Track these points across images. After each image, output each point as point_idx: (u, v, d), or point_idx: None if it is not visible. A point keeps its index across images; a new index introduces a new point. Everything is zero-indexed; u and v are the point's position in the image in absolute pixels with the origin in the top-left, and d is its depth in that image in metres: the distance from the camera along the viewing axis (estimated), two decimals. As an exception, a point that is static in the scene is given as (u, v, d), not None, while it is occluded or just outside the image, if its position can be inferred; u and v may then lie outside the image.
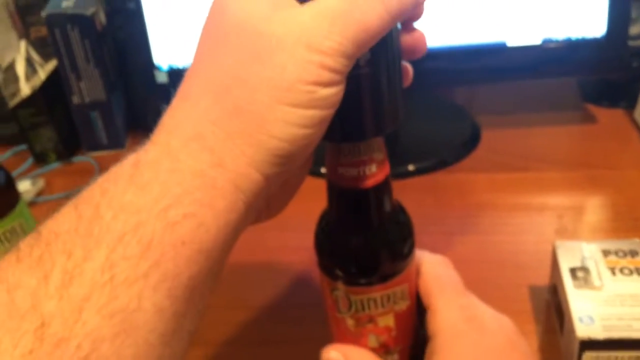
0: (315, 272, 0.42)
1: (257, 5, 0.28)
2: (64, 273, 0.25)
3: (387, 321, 0.40)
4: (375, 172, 0.35)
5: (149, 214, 0.26)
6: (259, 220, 0.35)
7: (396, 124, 0.33)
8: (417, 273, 0.41)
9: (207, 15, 0.30)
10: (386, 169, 0.36)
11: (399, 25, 0.32)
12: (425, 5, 0.32)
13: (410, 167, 0.70)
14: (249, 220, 0.31)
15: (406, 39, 0.32)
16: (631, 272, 0.45)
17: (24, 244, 0.26)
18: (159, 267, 0.26)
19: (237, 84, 0.27)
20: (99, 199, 0.27)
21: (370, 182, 0.35)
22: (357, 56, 0.28)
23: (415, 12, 0.31)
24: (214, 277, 0.29)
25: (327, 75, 0.27)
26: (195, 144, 0.27)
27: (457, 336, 0.36)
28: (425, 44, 0.33)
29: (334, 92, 0.28)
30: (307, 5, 0.28)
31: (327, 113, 0.28)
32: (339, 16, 0.27)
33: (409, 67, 0.35)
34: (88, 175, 0.76)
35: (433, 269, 0.39)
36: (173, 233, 0.26)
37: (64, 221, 0.26)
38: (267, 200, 0.32)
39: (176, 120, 0.29)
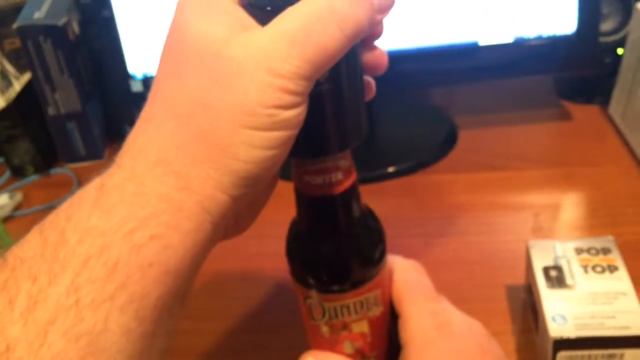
0: (293, 280, 0.42)
1: (217, 27, 0.28)
2: (29, 298, 0.25)
3: (362, 327, 0.40)
4: (341, 179, 0.35)
5: (114, 237, 0.26)
6: (227, 237, 0.35)
7: (360, 138, 0.34)
8: (390, 278, 0.41)
9: (167, 34, 0.30)
10: (353, 176, 0.36)
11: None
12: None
13: (389, 170, 0.70)
14: (217, 239, 0.31)
15: (367, 57, 0.33)
16: (603, 270, 0.45)
17: None
18: (126, 289, 0.26)
19: (200, 109, 0.28)
20: (64, 224, 0.27)
21: (336, 190, 0.35)
22: (316, 77, 0.28)
23: (373, 31, 0.32)
24: (183, 296, 0.29)
25: (288, 98, 0.27)
26: (160, 168, 0.28)
27: (428, 344, 0.36)
28: (386, 61, 0.34)
29: (296, 114, 0.28)
30: (265, 29, 0.28)
31: (291, 133, 0.29)
32: (297, 39, 0.27)
33: (371, 81, 0.35)
34: (66, 187, 0.76)
35: (404, 275, 0.39)
36: (139, 255, 0.26)
37: (29, 247, 0.27)
38: (235, 218, 0.33)
39: (140, 144, 0.29)
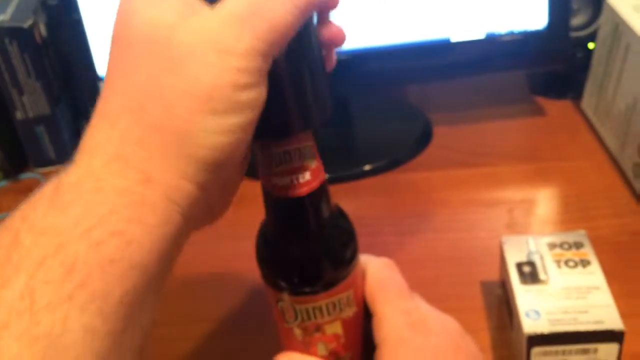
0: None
1: (164, 13, 0.27)
2: None
3: (335, 329, 0.40)
4: (309, 180, 0.34)
5: (70, 236, 0.25)
6: (204, 224, 0.35)
7: (324, 116, 0.33)
8: (363, 278, 0.40)
9: (114, 23, 0.29)
10: (321, 176, 0.35)
11: (314, 17, 0.31)
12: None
13: (364, 168, 0.69)
14: (190, 228, 0.30)
15: (323, 30, 0.32)
16: (576, 264, 0.45)
17: None
18: (86, 288, 0.25)
19: (153, 99, 0.27)
20: (19, 225, 0.26)
21: (304, 190, 0.34)
22: (272, 54, 0.28)
23: (328, 3, 0.31)
24: (157, 290, 0.29)
25: (243, 78, 0.27)
26: (118, 164, 0.27)
27: (401, 343, 0.35)
28: (343, 33, 0.34)
29: (254, 95, 0.28)
30: (215, 10, 0.27)
31: (251, 116, 0.28)
32: (247, 17, 0.27)
33: (331, 55, 0.34)
34: (36, 192, 0.74)
35: (377, 274, 0.39)
36: (99, 252, 0.25)
37: None
38: (207, 205, 0.31)
39: (96, 140, 0.28)
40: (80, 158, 0.28)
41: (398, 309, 0.37)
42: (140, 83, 0.27)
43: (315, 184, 0.35)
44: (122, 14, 0.29)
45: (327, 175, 0.36)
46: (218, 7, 0.27)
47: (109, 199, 0.26)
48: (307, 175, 0.34)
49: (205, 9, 0.28)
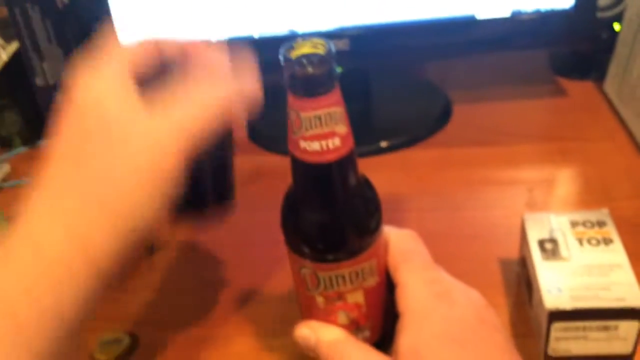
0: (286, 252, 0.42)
1: (119, 108, 0.34)
2: None
3: (357, 298, 0.40)
4: (339, 146, 0.34)
5: (11, 292, 0.31)
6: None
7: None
8: (386, 248, 0.40)
9: (68, 106, 0.36)
10: (350, 143, 0.35)
11: None
12: None
13: (383, 144, 0.69)
14: (103, 290, 0.35)
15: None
16: (598, 243, 0.45)
17: None
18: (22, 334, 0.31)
19: (96, 178, 0.33)
20: None
21: (333, 156, 0.34)
22: (195, 153, 0.36)
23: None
24: (74, 337, 0.34)
25: (173, 172, 0.35)
26: (57, 233, 0.33)
27: (426, 312, 0.35)
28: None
29: (178, 182, 0.35)
30: (161, 118, 0.35)
31: (174, 196, 0.36)
32: (185, 132, 0.35)
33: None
34: (55, 159, 0.75)
35: (400, 244, 0.39)
36: (37, 307, 0.32)
37: None
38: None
39: (40, 208, 0.33)
40: (21, 224, 0.33)
41: (422, 279, 0.37)
42: (89, 168, 0.33)
43: (344, 151, 0.35)
44: (78, 100, 0.35)
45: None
46: (165, 116, 0.35)
47: (44, 261, 0.32)
48: (337, 142, 0.34)
49: (144, 107, 0.35)
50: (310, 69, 0.32)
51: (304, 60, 0.32)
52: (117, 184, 0.33)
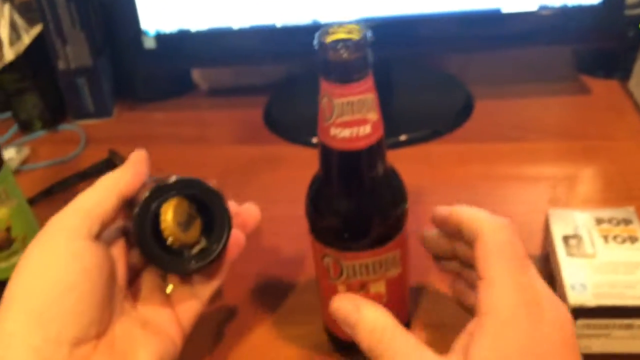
0: (305, 243, 0.41)
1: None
2: None
3: (379, 288, 0.40)
4: (369, 133, 0.34)
5: None
6: None
7: None
8: (406, 241, 0.40)
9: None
10: (380, 131, 0.35)
11: None
12: None
13: (403, 137, 0.69)
14: None
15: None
16: (624, 240, 0.44)
17: None
18: None
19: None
20: None
21: (363, 144, 0.34)
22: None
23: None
24: None
25: None
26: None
27: (513, 321, 0.31)
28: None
29: None
30: None
31: None
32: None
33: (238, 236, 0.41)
34: (74, 144, 0.75)
35: (495, 235, 0.34)
36: None
37: None
38: None
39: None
40: None
41: (514, 282, 0.32)
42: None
43: (374, 138, 0.34)
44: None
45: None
46: None
47: None
48: (368, 129, 0.34)
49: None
50: (344, 54, 0.31)
51: (339, 46, 0.31)
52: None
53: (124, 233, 0.38)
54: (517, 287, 0.32)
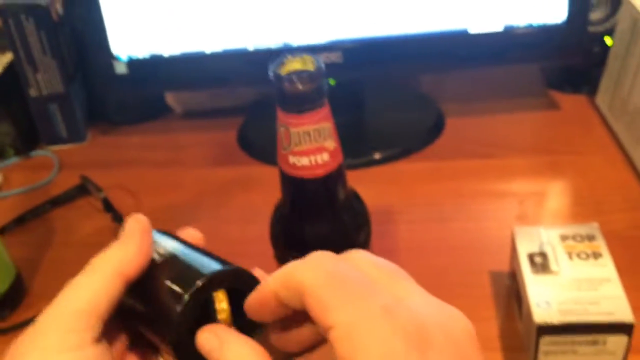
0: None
1: None
2: None
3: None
4: (327, 161, 0.34)
5: None
6: None
7: None
8: None
9: None
10: (339, 158, 0.35)
11: None
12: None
13: (376, 156, 0.69)
14: None
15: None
16: (588, 257, 0.45)
17: None
18: None
19: None
20: None
21: (322, 171, 0.35)
22: None
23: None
24: None
25: None
26: None
27: None
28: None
29: None
30: None
31: None
32: None
33: None
34: (47, 169, 0.75)
35: (317, 272, 0.25)
36: None
37: None
38: None
39: None
40: None
41: (370, 313, 0.23)
42: None
43: (333, 166, 0.35)
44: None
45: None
46: None
47: None
48: (326, 157, 0.34)
49: None
50: (299, 86, 0.32)
51: (294, 77, 0.32)
52: None
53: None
54: (381, 316, 0.23)
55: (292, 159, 0.34)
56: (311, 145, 0.33)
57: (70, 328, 0.28)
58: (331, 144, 0.34)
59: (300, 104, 0.32)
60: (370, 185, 0.66)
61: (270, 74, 0.33)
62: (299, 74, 0.32)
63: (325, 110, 0.33)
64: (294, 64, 0.33)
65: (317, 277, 0.25)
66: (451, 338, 0.24)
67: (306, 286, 0.25)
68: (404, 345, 0.23)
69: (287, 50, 0.34)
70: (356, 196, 0.39)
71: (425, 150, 0.71)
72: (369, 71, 0.70)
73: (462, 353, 0.24)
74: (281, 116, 0.33)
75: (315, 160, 0.34)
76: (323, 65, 0.33)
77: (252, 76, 0.72)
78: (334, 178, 0.35)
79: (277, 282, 0.27)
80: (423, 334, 0.23)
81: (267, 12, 0.65)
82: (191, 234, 0.34)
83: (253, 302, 0.28)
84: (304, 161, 0.34)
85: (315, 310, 0.24)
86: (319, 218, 0.37)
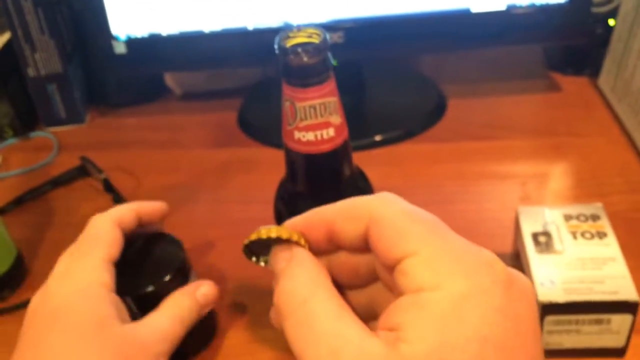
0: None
1: (105, 311, 0.38)
2: None
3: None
4: (333, 136, 0.34)
5: None
6: None
7: None
8: None
9: (42, 309, 0.38)
10: (344, 133, 0.35)
11: None
12: None
13: (377, 138, 0.69)
14: None
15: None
16: (592, 236, 0.45)
17: None
18: None
19: None
20: None
21: (327, 146, 0.34)
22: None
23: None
24: None
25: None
26: None
27: (474, 294, 0.22)
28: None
29: None
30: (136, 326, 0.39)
31: None
32: (168, 336, 0.40)
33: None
34: (46, 150, 0.74)
35: (390, 206, 0.26)
36: None
37: None
38: None
39: None
40: None
41: (451, 245, 0.24)
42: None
43: (338, 141, 0.34)
44: (53, 303, 0.38)
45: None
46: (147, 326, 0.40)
47: None
48: (331, 132, 0.34)
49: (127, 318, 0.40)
50: (304, 58, 0.31)
51: (299, 50, 0.31)
52: None
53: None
54: (464, 251, 0.24)
55: (297, 135, 0.34)
56: (317, 120, 0.33)
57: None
58: (337, 119, 0.34)
59: (306, 77, 0.32)
60: (371, 167, 0.65)
61: (276, 46, 0.32)
62: (304, 46, 0.32)
63: (331, 85, 0.33)
64: (299, 37, 0.32)
65: (394, 210, 0.25)
66: (525, 290, 0.24)
67: (380, 216, 0.25)
68: (490, 280, 0.23)
69: (293, 26, 0.34)
70: (362, 174, 0.39)
71: (427, 132, 0.70)
72: (369, 51, 0.69)
73: (533, 310, 0.24)
74: (286, 90, 0.33)
75: (321, 136, 0.33)
76: (329, 38, 0.32)
77: (252, 56, 0.72)
78: (340, 154, 0.35)
79: (337, 211, 0.26)
80: (504, 276, 0.23)
81: (268, -9, 0.64)
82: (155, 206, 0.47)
83: (300, 223, 0.27)
84: (310, 136, 0.33)
85: (389, 239, 0.24)
86: (324, 194, 0.36)
